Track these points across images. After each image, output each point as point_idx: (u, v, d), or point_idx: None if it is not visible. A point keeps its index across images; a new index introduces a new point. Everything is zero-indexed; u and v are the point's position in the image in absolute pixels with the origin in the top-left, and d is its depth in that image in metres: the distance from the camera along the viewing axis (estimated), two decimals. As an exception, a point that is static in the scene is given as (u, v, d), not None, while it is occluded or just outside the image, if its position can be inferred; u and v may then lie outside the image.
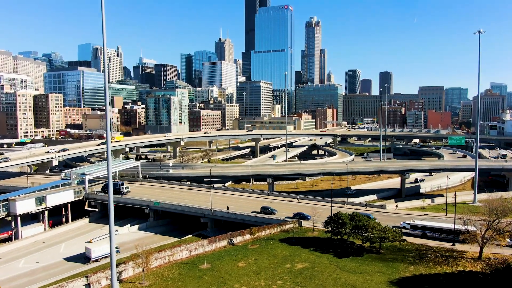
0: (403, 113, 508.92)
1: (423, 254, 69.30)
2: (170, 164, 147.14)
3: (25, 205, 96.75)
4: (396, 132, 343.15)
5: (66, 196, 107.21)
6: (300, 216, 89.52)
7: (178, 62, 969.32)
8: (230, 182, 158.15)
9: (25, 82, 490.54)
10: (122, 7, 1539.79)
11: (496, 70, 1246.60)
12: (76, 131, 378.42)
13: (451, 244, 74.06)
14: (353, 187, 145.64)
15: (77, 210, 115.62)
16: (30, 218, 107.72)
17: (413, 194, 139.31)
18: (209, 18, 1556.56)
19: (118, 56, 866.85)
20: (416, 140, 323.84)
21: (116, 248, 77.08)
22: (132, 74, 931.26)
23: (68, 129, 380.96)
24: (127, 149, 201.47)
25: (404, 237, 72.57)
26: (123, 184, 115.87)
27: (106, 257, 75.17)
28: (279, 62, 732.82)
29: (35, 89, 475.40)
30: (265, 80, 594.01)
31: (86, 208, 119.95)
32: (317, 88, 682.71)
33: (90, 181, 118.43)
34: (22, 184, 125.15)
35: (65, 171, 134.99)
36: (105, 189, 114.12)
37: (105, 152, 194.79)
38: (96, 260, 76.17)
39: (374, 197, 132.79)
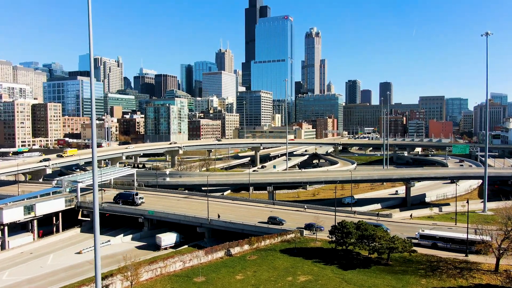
0: (404, 123, 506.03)
1: (435, 266, 64.45)
2: (167, 172, 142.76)
3: (12, 214, 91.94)
4: (398, 141, 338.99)
5: (56, 204, 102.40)
6: (312, 227, 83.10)
7: (179, 73, 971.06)
8: (229, 191, 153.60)
9: (24, 92, 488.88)
10: (123, 18, 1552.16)
11: (496, 81, 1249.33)
12: (74, 140, 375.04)
13: (464, 255, 69.20)
14: (356, 196, 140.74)
15: (70, 219, 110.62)
16: (20, 228, 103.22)
17: (418, 203, 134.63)
18: (210, 29, 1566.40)
19: (118, 66, 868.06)
20: (418, 149, 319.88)
21: None
22: (132, 85, 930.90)
23: (66, 139, 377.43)
24: (124, 158, 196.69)
25: (414, 248, 67.92)
26: (137, 194, 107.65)
27: (172, 246, 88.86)
28: (279, 72, 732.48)
29: (34, 98, 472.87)
30: (265, 90, 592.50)
31: (79, 217, 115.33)
32: (318, 98, 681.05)
33: (83, 189, 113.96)
34: (13, 193, 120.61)
35: (57, 178, 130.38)
36: (117, 199, 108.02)
37: (103, 161, 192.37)
38: (165, 248, 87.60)
39: (378, 206, 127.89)
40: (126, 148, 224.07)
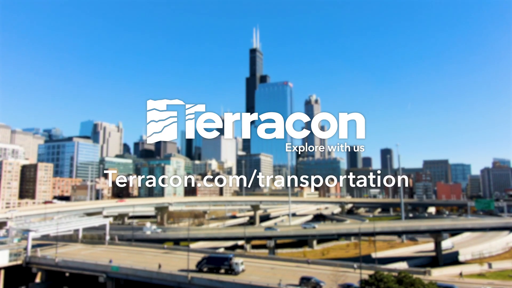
0: (411, 185, 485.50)
1: None
2: (148, 226, 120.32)
3: None
4: (410, 199, 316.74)
5: (-4, 258, 79.97)
6: None
7: (179, 139, 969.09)
8: (222, 249, 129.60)
9: (17, 152, 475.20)
10: (126, 86, 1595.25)
11: (498, 146, 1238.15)
12: (63, 202, 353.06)
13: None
14: (373, 255, 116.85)
15: (20, 279, 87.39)
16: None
17: (450, 263, 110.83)
18: (211, 98, 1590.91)
19: (118, 131, 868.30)
20: (431, 210, 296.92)
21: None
22: (132, 150, 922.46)
23: (55, 200, 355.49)
24: (105, 213, 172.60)
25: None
26: (231, 258, 74.10)
27: None
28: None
29: (25, 159, 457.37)
30: (265, 153, 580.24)
31: (37, 280, 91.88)
32: (319, 161, 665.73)
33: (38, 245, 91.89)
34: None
35: (6, 227, 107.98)
36: (203, 266, 74.46)
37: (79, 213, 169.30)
38: None
39: (404, 265, 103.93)
40: (108, 202, 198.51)
